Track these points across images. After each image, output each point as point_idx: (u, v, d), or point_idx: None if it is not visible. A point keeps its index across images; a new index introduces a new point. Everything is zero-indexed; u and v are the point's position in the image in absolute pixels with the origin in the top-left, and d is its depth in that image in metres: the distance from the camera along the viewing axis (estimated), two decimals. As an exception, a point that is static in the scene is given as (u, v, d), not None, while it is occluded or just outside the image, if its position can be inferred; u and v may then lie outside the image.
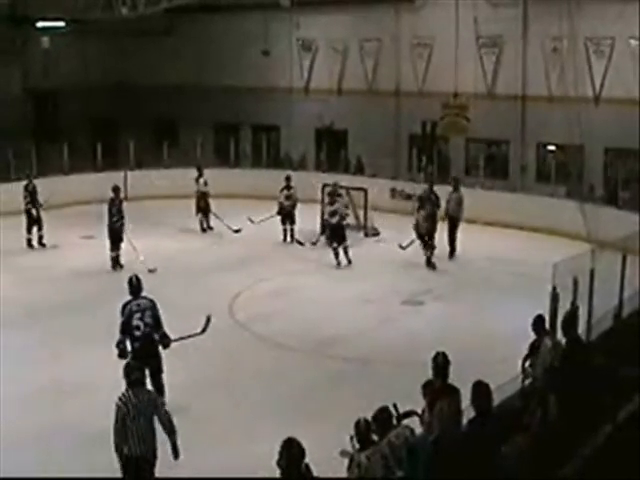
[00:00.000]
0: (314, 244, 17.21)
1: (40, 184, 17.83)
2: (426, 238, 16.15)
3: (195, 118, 25.72)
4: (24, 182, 17.71)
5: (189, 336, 9.56)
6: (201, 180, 19.13)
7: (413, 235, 16.31)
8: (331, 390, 10.19)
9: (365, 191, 19.00)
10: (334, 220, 16.41)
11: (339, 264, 16.13)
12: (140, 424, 6.94)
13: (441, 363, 6.93)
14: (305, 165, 24.75)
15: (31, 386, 9.96)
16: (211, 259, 16.69)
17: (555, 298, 9.49)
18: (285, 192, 18.51)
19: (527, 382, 8.20)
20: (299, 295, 14.39)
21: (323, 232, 17.12)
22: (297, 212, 18.38)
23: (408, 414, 6.74)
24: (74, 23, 24.19)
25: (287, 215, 18.34)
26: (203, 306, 9.97)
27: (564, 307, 9.09)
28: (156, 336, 9.23)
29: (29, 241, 17.42)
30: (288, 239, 18.28)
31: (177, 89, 25.96)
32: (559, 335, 8.13)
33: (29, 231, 17.41)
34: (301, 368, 10.94)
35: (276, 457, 5.40)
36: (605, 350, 8.65)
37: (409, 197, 20.50)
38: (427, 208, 16.46)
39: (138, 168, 22.52)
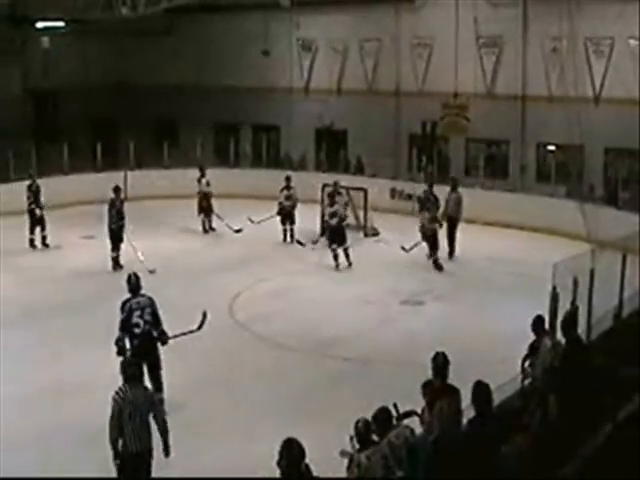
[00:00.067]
0: (315, 243, 17.19)
1: (40, 184, 17.80)
2: (432, 239, 16.14)
3: (195, 118, 25.72)
4: (27, 182, 17.67)
5: (186, 333, 9.60)
6: (203, 180, 19.07)
7: (417, 237, 16.31)
8: (331, 390, 10.19)
9: (365, 191, 19.00)
10: (333, 222, 16.36)
11: (338, 266, 16.06)
12: (136, 420, 6.95)
13: (440, 363, 6.94)
14: (305, 165, 24.75)
15: (31, 386, 9.96)
16: (211, 259, 16.68)
17: (555, 298, 9.49)
18: (285, 192, 18.51)
19: (527, 382, 8.21)
20: (299, 295, 14.39)
21: (323, 233, 17.09)
22: (297, 212, 18.39)
23: (408, 414, 6.75)
24: (74, 23, 24.21)
25: (287, 215, 18.34)
26: (203, 306, 9.94)
27: (564, 307, 9.10)
28: (155, 333, 9.28)
29: (31, 241, 17.37)
30: (288, 239, 18.27)
31: (177, 89, 25.96)
32: (559, 335, 8.13)
33: (32, 231, 17.36)
34: (301, 368, 10.94)
35: (276, 457, 5.40)
36: (605, 350, 8.65)
37: (409, 197, 20.52)
38: (432, 210, 16.49)
39: (138, 168, 22.49)
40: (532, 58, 21.20)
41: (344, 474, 6.16)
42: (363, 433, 6.12)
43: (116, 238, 15.73)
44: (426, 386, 6.92)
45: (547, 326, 8.50)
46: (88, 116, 25.89)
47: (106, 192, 16.28)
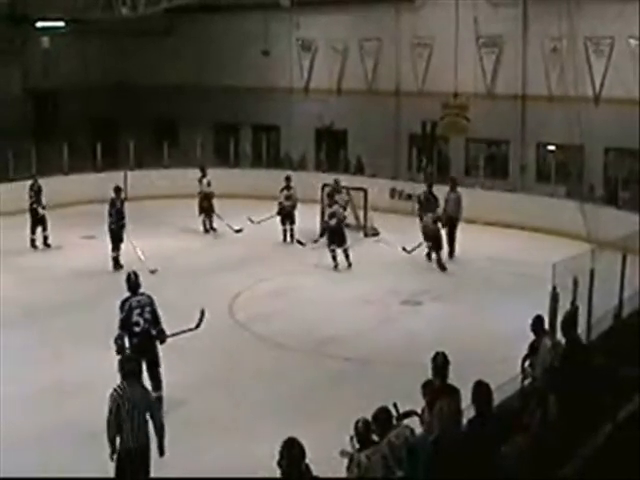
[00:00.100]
0: (315, 242, 17.16)
1: (41, 184, 17.81)
2: (436, 240, 16.12)
3: (195, 118, 25.72)
4: (30, 182, 17.65)
5: (184, 331, 9.62)
6: (204, 181, 19.04)
7: (418, 237, 16.30)
8: (331, 390, 10.19)
9: (365, 191, 19.00)
10: (332, 222, 16.32)
11: (336, 266, 15.99)
12: (134, 417, 6.97)
13: (440, 363, 6.95)
14: (305, 165, 24.76)
15: (32, 386, 9.96)
16: (211, 259, 16.68)
17: (555, 298, 9.50)
18: (285, 192, 18.51)
19: (527, 382, 8.21)
20: (299, 295, 14.39)
21: (323, 234, 17.06)
22: (297, 212, 18.38)
23: (408, 414, 6.75)
24: (74, 23, 24.21)
25: (287, 215, 18.33)
26: (203, 306, 9.96)
27: (564, 307, 9.11)
28: (154, 332, 9.31)
29: (33, 242, 17.34)
30: (288, 239, 18.27)
31: (177, 89, 25.96)
32: (559, 335, 8.14)
33: (33, 231, 17.32)
34: (301, 368, 10.94)
35: (276, 457, 5.40)
36: (605, 350, 8.66)
37: (409, 197, 20.52)
38: (437, 211, 16.50)
39: (138, 168, 22.50)
40: (532, 58, 21.21)
41: (344, 474, 6.16)
42: (363, 433, 6.13)
43: (116, 238, 15.74)
44: (426, 386, 6.93)
45: (547, 326, 8.51)
46: (88, 116, 25.89)
47: (106, 192, 16.29)
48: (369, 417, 6.21)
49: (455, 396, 6.86)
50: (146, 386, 7.82)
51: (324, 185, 18.86)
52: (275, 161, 24.91)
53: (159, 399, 9.15)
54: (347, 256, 16.13)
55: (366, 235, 18.82)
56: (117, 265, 15.60)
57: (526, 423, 7.04)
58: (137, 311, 9.21)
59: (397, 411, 6.54)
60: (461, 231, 17.00)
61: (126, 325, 9.16)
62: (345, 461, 6.19)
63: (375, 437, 6.19)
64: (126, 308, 9.22)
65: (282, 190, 18.54)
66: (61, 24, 24.83)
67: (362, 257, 16.47)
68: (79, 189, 21.18)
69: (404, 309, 13.73)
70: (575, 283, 9.74)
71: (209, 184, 18.99)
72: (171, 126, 26.60)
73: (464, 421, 6.73)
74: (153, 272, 14.48)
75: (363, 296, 14.17)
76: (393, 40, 23.39)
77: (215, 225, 19.07)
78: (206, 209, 19.01)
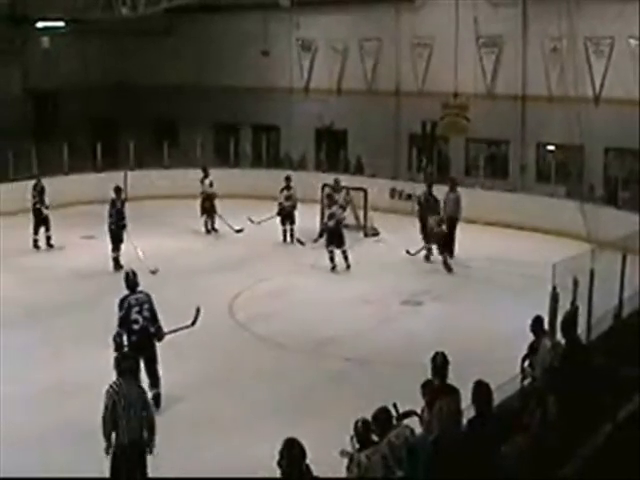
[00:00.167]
0: (315, 241, 17.13)
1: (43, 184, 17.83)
2: (441, 241, 16.11)
3: (195, 118, 25.73)
4: (33, 182, 17.62)
5: (181, 328, 9.66)
6: (206, 181, 19.02)
7: (418, 237, 16.30)
8: (331, 390, 10.20)
9: (365, 191, 19.01)
10: (331, 223, 16.27)
11: (334, 268, 15.92)
12: (130, 414, 7.02)
13: (440, 363, 6.95)
14: (305, 165, 24.76)
15: (33, 386, 9.97)
16: (211, 259, 16.68)
17: (555, 298, 9.50)
18: (285, 192, 18.50)
19: (527, 382, 8.21)
20: (299, 295, 14.39)
21: (322, 235, 17.00)
22: (297, 212, 18.38)
23: (408, 414, 6.75)
24: (74, 23, 24.20)
25: (287, 215, 18.32)
26: (203, 306, 9.98)
27: (564, 307, 9.11)
28: (152, 329, 9.37)
29: (35, 242, 17.30)
30: (288, 239, 18.27)
31: (177, 89, 25.96)
32: (559, 335, 8.14)
33: (36, 232, 17.26)
34: (301, 368, 10.95)
35: (277, 457, 5.41)
36: (605, 350, 8.66)
37: (409, 197, 20.53)
38: (441, 213, 16.51)
39: (138, 168, 22.48)
40: (532, 58, 21.20)
41: (344, 474, 6.17)
42: (363, 433, 6.13)
43: (116, 238, 15.74)
44: (426, 386, 6.93)
45: (547, 326, 8.52)
46: (88, 116, 25.89)
47: (106, 192, 16.29)
48: (369, 417, 6.22)
49: (455, 396, 6.87)
50: (142, 385, 7.85)
51: (324, 185, 18.87)
52: (275, 161, 24.91)
53: (157, 396, 9.19)
54: (346, 258, 16.05)
55: (366, 235, 18.82)
56: (117, 265, 15.58)
57: (526, 423, 7.04)
58: (136, 309, 9.28)
59: (397, 411, 6.54)
60: (461, 231, 17.01)
61: (125, 323, 9.24)
62: (345, 461, 6.19)
63: (375, 437, 6.19)
64: (125, 306, 9.29)
65: (282, 190, 18.53)
66: (61, 24, 24.83)
67: (362, 257, 16.47)
68: (79, 189, 21.17)
69: (404, 309, 13.73)
70: (575, 283, 9.75)
71: (211, 185, 18.97)
72: (171, 126, 26.59)
73: (464, 421, 6.74)
74: (154, 272, 14.49)
75: (363, 296, 14.18)
76: (393, 40, 23.40)
77: (217, 226, 19.07)
78: (208, 210, 18.98)
